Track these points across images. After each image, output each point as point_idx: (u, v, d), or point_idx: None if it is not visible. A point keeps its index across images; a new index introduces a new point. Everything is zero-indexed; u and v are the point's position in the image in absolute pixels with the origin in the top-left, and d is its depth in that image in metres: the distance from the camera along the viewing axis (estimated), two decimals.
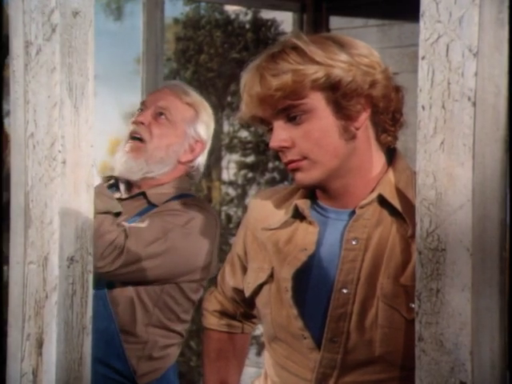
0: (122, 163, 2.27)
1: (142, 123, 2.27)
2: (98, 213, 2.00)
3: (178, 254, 2.16)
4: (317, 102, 1.52)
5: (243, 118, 1.59)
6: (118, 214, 2.17)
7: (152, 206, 2.25)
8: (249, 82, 1.54)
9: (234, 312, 1.90)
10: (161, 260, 2.14)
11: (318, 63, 1.49)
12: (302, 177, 1.55)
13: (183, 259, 2.18)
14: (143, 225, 2.14)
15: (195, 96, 2.35)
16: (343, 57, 1.50)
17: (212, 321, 1.93)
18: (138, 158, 2.25)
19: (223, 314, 1.92)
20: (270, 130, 1.57)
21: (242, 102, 1.57)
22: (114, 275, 2.10)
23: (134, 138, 2.27)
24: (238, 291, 1.82)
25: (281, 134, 1.54)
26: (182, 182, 2.32)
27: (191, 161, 2.32)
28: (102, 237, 2.05)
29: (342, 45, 1.53)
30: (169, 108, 2.28)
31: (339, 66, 1.50)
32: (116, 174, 2.30)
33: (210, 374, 1.94)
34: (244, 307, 1.88)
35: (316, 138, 1.52)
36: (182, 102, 2.30)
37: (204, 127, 2.32)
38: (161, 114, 2.27)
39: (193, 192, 2.38)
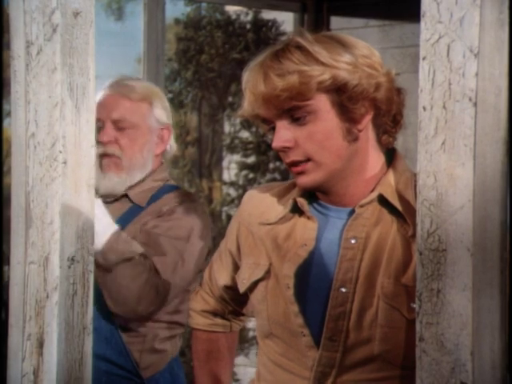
0: (104, 183, 2.24)
1: (109, 141, 2.23)
2: (121, 260, 2.04)
3: (189, 269, 2.18)
4: (321, 103, 1.51)
5: (244, 115, 1.57)
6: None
7: (136, 205, 2.25)
8: (252, 80, 1.53)
9: (222, 311, 1.88)
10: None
11: (322, 64, 1.48)
12: (305, 179, 1.54)
13: (191, 272, 2.20)
14: (155, 252, 2.14)
15: (141, 87, 2.29)
16: (347, 58, 1.49)
17: (200, 321, 1.90)
18: (118, 172, 2.24)
19: (211, 313, 1.89)
20: (271, 129, 1.56)
21: (245, 99, 1.55)
22: (149, 314, 2.14)
23: (107, 155, 2.24)
24: (228, 289, 1.80)
25: (284, 134, 1.53)
26: (160, 171, 2.31)
27: (165, 149, 2.32)
28: (134, 281, 2.06)
29: (344, 45, 1.52)
30: (123, 115, 2.24)
31: (344, 67, 1.49)
32: (101, 193, 2.25)
33: (201, 376, 1.91)
34: (233, 305, 1.86)
35: (320, 139, 1.51)
36: (131, 101, 2.26)
37: (162, 112, 2.29)
38: (119, 123, 2.24)
39: (173, 182, 2.37)
